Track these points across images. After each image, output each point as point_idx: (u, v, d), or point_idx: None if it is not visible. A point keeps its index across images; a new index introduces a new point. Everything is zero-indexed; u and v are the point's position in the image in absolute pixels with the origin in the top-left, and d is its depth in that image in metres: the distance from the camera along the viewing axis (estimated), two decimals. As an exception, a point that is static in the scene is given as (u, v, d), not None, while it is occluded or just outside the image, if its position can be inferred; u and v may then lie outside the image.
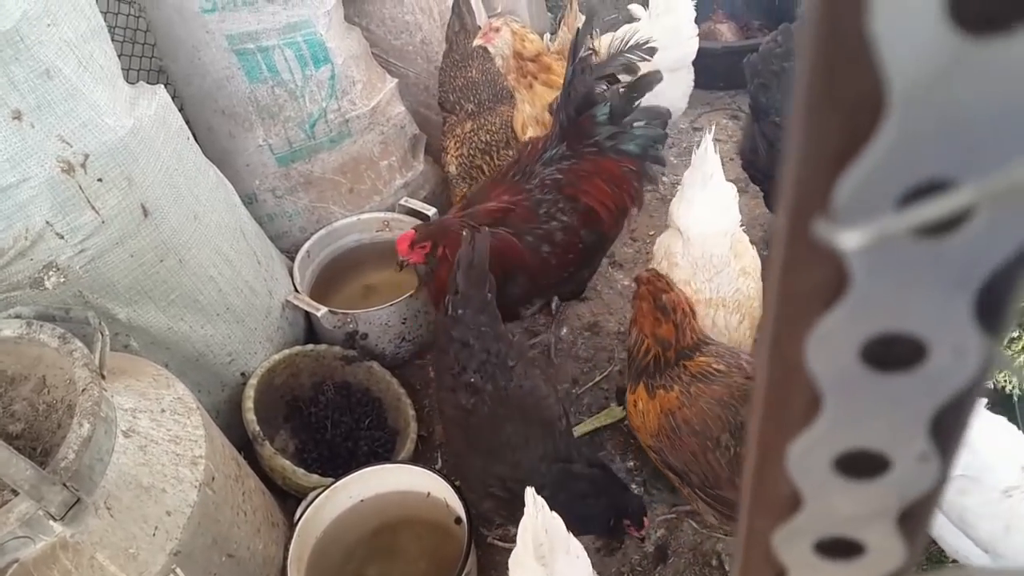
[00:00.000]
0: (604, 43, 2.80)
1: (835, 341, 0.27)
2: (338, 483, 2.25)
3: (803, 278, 0.26)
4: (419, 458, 2.59)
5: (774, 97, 2.62)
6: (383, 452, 2.54)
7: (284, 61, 2.65)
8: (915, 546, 0.34)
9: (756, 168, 2.76)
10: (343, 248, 2.98)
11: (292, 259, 2.83)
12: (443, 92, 3.01)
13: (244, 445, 2.41)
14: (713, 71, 3.61)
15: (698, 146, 2.30)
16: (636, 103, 2.38)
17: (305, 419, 2.58)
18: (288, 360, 2.59)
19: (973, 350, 0.27)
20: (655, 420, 2.08)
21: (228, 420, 2.46)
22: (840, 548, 0.35)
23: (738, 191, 2.63)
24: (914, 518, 0.33)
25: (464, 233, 2.18)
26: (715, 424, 1.96)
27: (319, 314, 2.61)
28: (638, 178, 2.51)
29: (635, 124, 2.41)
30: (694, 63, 3.28)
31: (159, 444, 1.84)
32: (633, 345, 2.15)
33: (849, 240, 0.23)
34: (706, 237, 2.33)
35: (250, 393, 2.42)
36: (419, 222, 2.89)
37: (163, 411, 1.92)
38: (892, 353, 0.27)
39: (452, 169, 2.88)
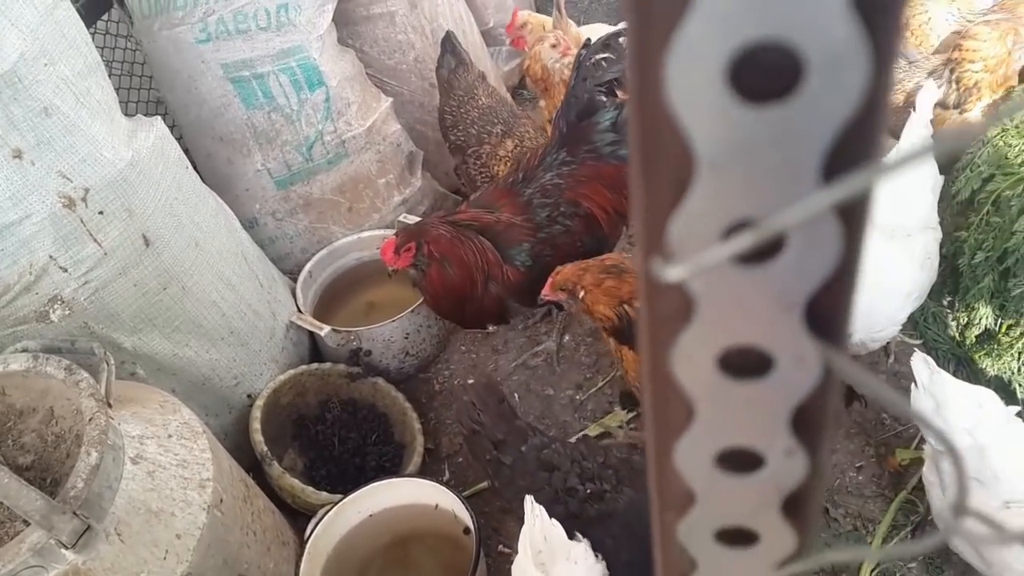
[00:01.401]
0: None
1: (693, 355, 0.31)
2: (347, 499, 2.28)
3: (661, 304, 0.29)
4: (426, 471, 2.62)
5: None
6: (391, 466, 2.57)
7: (279, 86, 2.70)
8: (805, 532, 0.37)
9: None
10: (344, 267, 3.02)
11: (294, 280, 2.87)
12: (459, 132, 2.95)
13: (253, 466, 2.45)
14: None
15: None
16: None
17: (312, 437, 2.61)
18: (293, 380, 2.62)
19: (812, 358, 0.29)
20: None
21: (236, 442, 2.50)
22: (737, 537, 0.38)
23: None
24: (797, 506, 0.36)
25: (450, 230, 2.22)
26: None
27: (322, 333, 2.64)
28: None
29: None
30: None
31: (167, 469, 1.88)
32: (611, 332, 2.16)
33: (673, 274, 0.26)
34: None
35: (257, 414, 2.46)
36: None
37: (170, 436, 1.96)
38: (744, 364, 0.30)
39: None
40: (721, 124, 0.24)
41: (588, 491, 1.91)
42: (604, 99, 2.44)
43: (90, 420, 1.75)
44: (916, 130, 2.40)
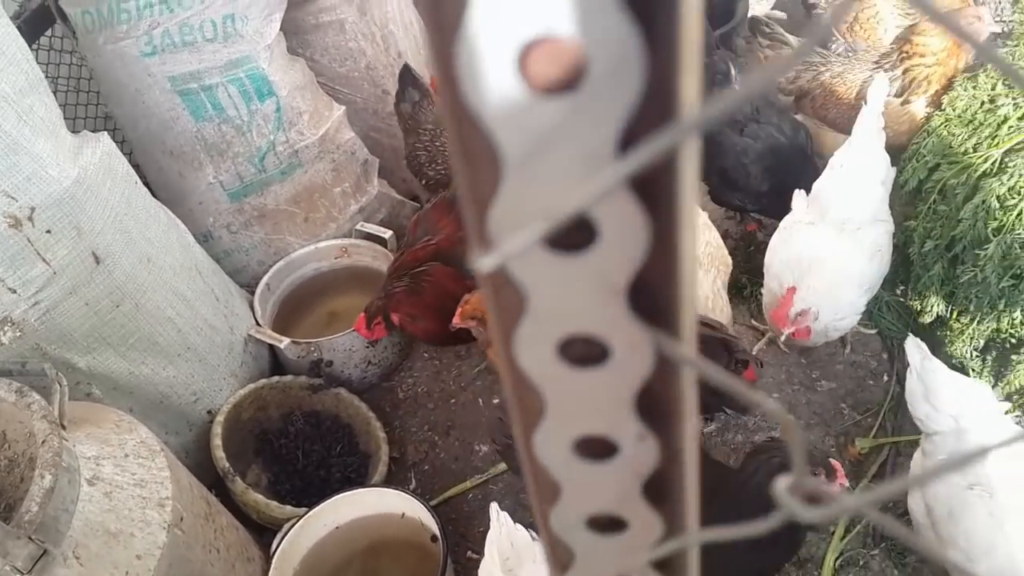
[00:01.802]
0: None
1: (534, 346, 0.31)
2: (311, 512, 2.26)
3: (499, 296, 0.29)
4: (392, 480, 2.61)
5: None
6: (356, 477, 2.56)
7: (228, 98, 2.67)
8: (671, 515, 0.38)
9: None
10: (303, 278, 3.00)
11: (252, 293, 2.85)
12: (438, 166, 2.87)
13: (217, 482, 2.42)
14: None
15: None
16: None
17: (276, 451, 2.59)
18: (254, 394, 2.60)
19: (644, 344, 0.30)
20: None
21: (198, 459, 2.48)
22: (606, 524, 0.39)
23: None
24: (659, 491, 0.36)
25: (405, 283, 2.29)
26: None
27: (282, 345, 2.63)
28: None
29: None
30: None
31: (124, 489, 1.86)
32: None
33: (485, 264, 0.26)
34: None
35: (217, 430, 2.44)
36: (378, 247, 2.93)
37: (127, 456, 1.93)
38: (583, 352, 0.31)
39: None
40: (517, 117, 0.24)
41: None
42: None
43: (43, 442, 1.73)
44: (867, 123, 2.43)
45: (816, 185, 2.46)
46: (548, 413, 0.33)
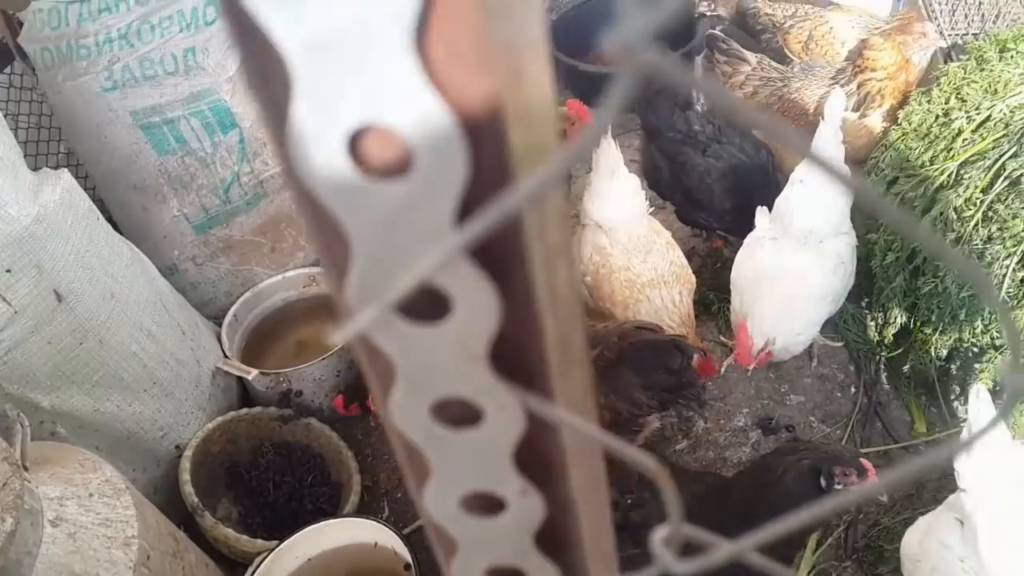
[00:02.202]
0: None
1: (408, 408, 0.32)
2: (283, 545, 2.24)
3: (372, 363, 0.30)
4: (365, 508, 2.59)
5: (661, 114, 2.72)
6: (329, 507, 2.54)
7: (191, 131, 2.67)
8: (568, 565, 0.38)
9: (661, 185, 2.84)
10: (271, 308, 2.98)
11: (219, 325, 2.83)
12: None
13: (188, 517, 2.40)
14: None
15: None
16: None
17: (247, 484, 2.57)
18: (223, 427, 2.58)
19: (511, 403, 0.31)
20: None
21: (167, 495, 2.45)
22: None
23: (657, 208, 2.74)
24: (551, 541, 0.37)
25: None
26: None
27: (250, 377, 2.61)
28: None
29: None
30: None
31: (89, 529, 1.83)
32: None
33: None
34: (627, 222, 2.47)
35: (186, 465, 2.41)
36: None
37: (91, 495, 1.91)
38: (458, 413, 0.31)
39: None
40: (353, 196, 0.25)
41: (629, 501, 1.95)
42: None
43: (3, 485, 1.70)
44: (826, 136, 2.47)
45: (778, 200, 2.49)
46: (433, 472, 0.34)
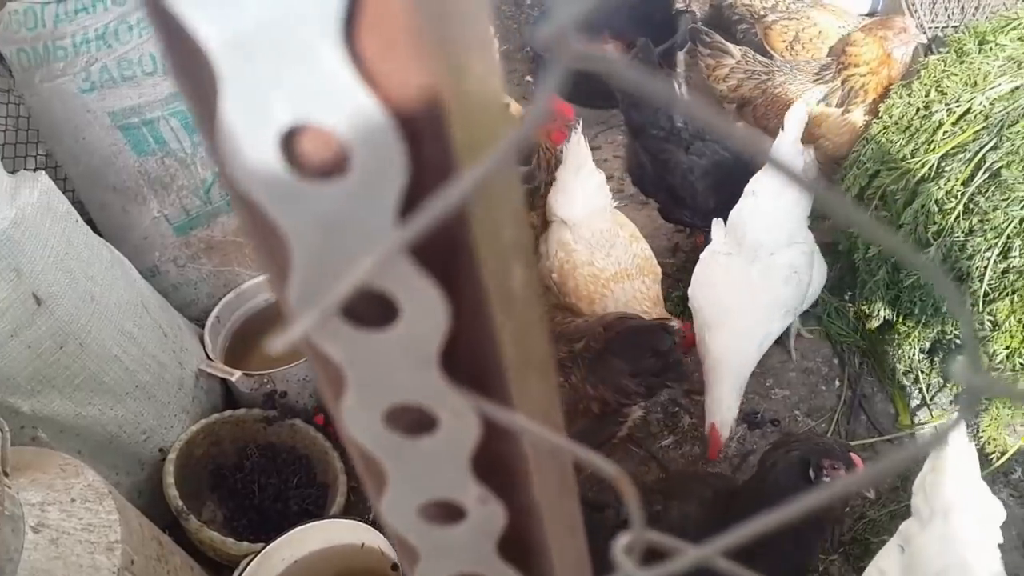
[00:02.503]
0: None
1: (361, 416, 0.31)
2: (267, 548, 2.23)
3: (323, 370, 0.29)
4: (352, 510, 2.58)
5: (645, 112, 2.72)
6: (315, 509, 2.53)
7: (171, 131, 2.65)
8: (534, 570, 0.38)
9: (645, 182, 2.84)
10: (254, 309, 2.96)
11: (202, 326, 2.81)
12: None
13: (173, 521, 2.38)
14: (606, 90, 3.70)
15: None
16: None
17: (232, 486, 2.55)
18: (207, 429, 2.56)
19: (466, 410, 0.30)
20: None
21: (151, 499, 2.43)
22: None
23: (639, 205, 2.73)
24: (514, 548, 0.36)
25: None
26: None
27: (234, 378, 2.59)
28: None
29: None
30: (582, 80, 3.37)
31: (71, 535, 1.82)
32: None
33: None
34: (590, 217, 2.47)
35: (170, 468, 2.39)
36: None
37: (73, 500, 1.89)
38: (412, 420, 0.31)
39: None
40: (290, 197, 0.24)
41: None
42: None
43: (-18, 492, 1.69)
44: (784, 148, 2.45)
45: (732, 214, 2.48)
46: (390, 480, 0.33)
